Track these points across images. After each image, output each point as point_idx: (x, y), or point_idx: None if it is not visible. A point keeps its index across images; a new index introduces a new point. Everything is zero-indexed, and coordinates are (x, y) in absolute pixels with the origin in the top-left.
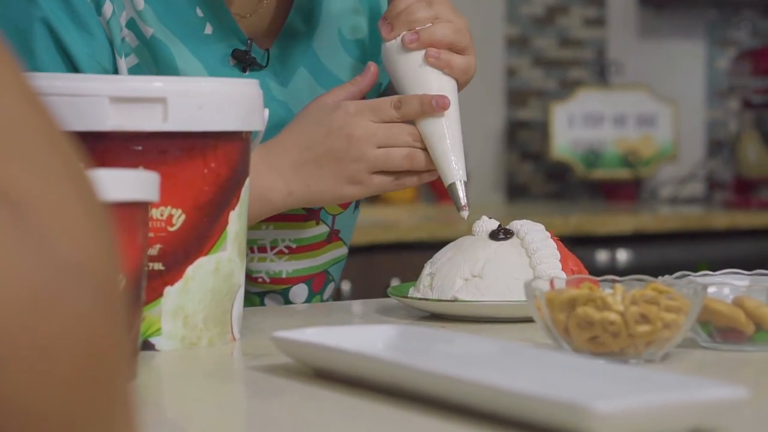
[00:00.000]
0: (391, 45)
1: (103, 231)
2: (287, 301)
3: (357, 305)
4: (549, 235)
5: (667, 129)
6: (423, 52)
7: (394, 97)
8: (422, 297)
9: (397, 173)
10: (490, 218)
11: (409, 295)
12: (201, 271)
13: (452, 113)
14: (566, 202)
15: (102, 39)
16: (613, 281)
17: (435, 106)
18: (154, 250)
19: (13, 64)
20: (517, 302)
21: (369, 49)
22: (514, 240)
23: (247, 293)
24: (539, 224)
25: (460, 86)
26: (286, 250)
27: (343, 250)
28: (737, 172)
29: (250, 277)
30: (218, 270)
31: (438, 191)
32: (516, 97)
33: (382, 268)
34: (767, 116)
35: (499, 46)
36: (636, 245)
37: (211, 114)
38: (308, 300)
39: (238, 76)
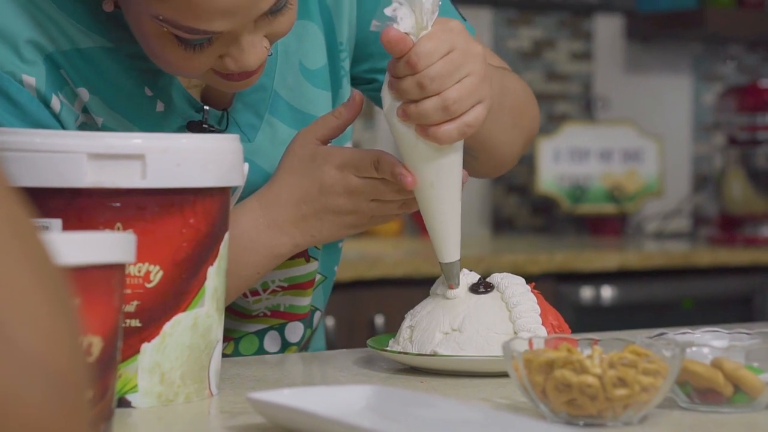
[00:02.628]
0: (391, 102)
1: (67, 322)
2: (284, 339)
3: (337, 356)
4: (529, 288)
5: (653, 164)
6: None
7: (375, 157)
8: (402, 350)
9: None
10: (471, 271)
11: (389, 348)
12: (178, 328)
13: (449, 186)
14: (552, 236)
15: (57, 129)
16: (592, 341)
17: (401, 181)
18: (131, 307)
19: None
20: (497, 357)
21: (333, 74)
22: (494, 293)
23: (246, 335)
24: (519, 277)
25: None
26: (279, 289)
27: (329, 284)
28: (722, 208)
29: (249, 316)
30: (196, 326)
31: (423, 225)
32: None
33: (366, 304)
34: (752, 153)
35: None
36: (621, 281)
37: (189, 171)
38: (303, 335)
39: None
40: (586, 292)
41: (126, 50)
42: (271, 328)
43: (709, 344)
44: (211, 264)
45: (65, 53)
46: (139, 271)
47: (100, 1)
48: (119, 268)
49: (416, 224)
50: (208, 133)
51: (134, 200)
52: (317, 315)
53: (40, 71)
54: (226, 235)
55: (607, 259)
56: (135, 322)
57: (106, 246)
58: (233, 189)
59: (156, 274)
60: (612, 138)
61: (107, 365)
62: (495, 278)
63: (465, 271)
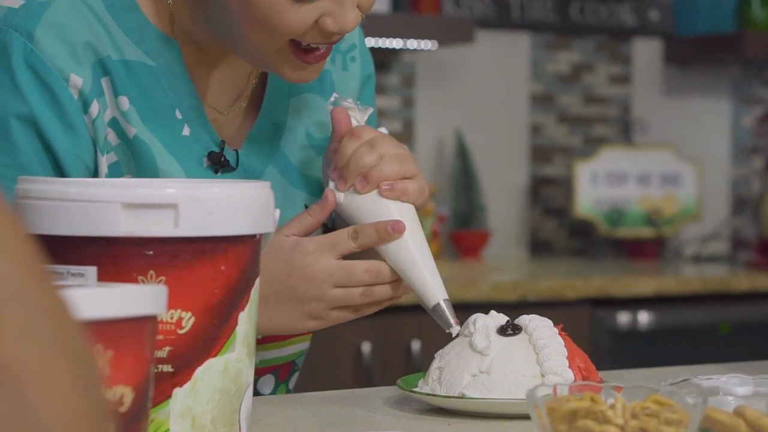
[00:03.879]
0: (346, 196)
1: (91, 390)
2: (255, 392)
3: (368, 395)
4: (557, 331)
5: (691, 188)
6: (376, 190)
7: (350, 228)
8: (431, 392)
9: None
10: (498, 312)
11: (418, 388)
12: (210, 372)
13: (416, 234)
14: (589, 259)
15: (86, 137)
16: (615, 389)
17: (391, 231)
18: (163, 353)
19: (12, 224)
20: (524, 400)
21: None
22: (522, 335)
23: None
24: (547, 320)
25: (418, 208)
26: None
27: (307, 344)
28: (761, 232)
29: None
30: (227, 370)
31: (461, 248)
32: (540, 153)
33: (402, 329)
34: None
35: (524, 103)
36: (658, 306)
37: (221, 219)
38: (275, 390)
39: (211, 177)
40: (623, 317)
41: (163, 71)
42: None
43: (732, 392)
44: (242, 309)
45: (114, 62)
46: (172, 318)
47: (146, 20)
48: (151, 319)
49: (454, 248)
50: (224, 166)
51: (167, 248)
52: (296, 375)
53: (87, 74)
54: (257, 281)
55: (644, 284)
56: (167, 368)
57: (138, 299)
58: (266, 235)
59: (188, 320)
60: (650, 161)
61: (138, 415)
62: (523, 320)
63: (493, 313)
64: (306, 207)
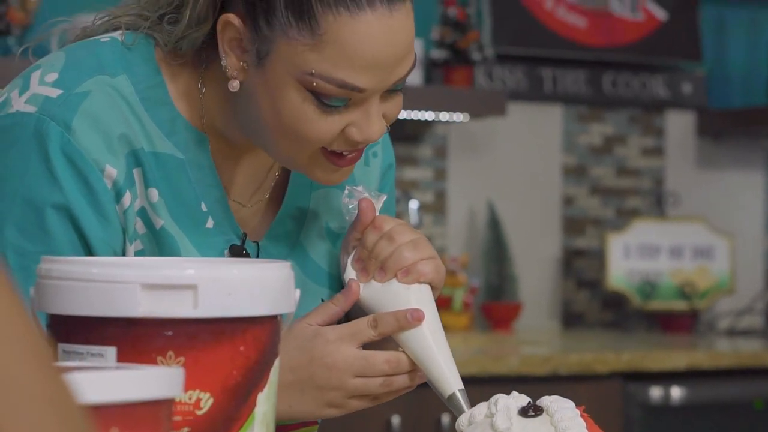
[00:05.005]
0: (366, 286)
1: None
2: None
3: None
4: (579, 412)
5: (724, 261)
6: (394, 278)
7: (370, 317)
8: None
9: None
10: (520, 393)
11: None
12: None
13: (432, 323)
14: (622, 332)
15: (117, 226)
16: None
17: (410, 319)
18: None
19: (18, 311)
20: None
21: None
22: (543, 417)
23: None
24: (569, 401)
25: (436, 288)
26: None
27: (315, 429)
28: None
29: None
30: None
31: (493, 320)
32: (573, 225)
33: (432, 403)
34: None
35: (557, 175)
36: (691, 381)
37: (240, 300)
38: None
39: None
40: (655, 392)
41: (191, 164)
42: None
43: None
44: (261, 390)
45: (146, 153)
46: (190, 398)
47: (178, 113)
48: (167, 402)
49: (486, 320)
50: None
51: (186, 329)
52: None
53: (121, 165)
54: (277, 361)
55: (677, 358)
56: None
57: (154, 382)
58: (284, 315)
59: (206, 401)
60: (683, 234)
61: None
62: (545, 401)
63: (515, 393)
64: (323, 301)
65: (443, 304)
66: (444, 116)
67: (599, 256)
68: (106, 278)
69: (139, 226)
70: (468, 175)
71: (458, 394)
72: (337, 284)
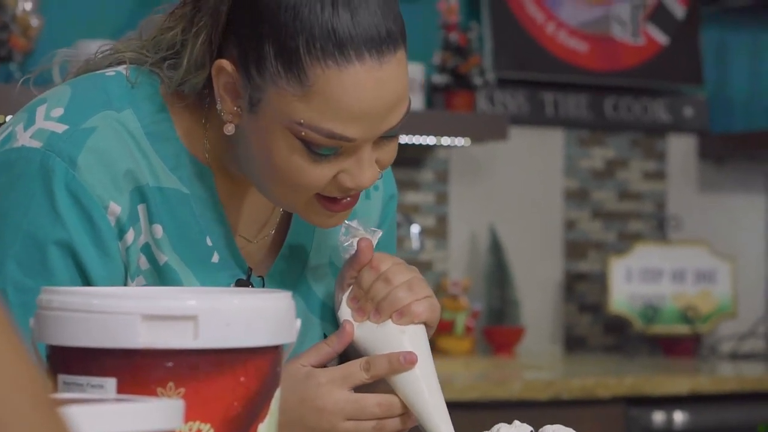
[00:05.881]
0: (360, 326)
1: None
2: None
3: None
4: None
5: (727, 285)
6: (389, 319)
7: (363, 360)
8: None
9: None
10: (522, 422)
11: None
12: None
13: (426, 366)
14: (624, 355)
15: (119, 263)
16: None
17: (403, 362)
18: None
19: (16, 349)
20: None
21: None
22: None
23: None
24: (570, 429)
25: (431, 327)
26: None
27: None
28: None
29: None
30: None
31: (495, 344)
32: (575, 249)
33: None
34: None
35: (559, 199)
36: (693, 406)
37: (241, 330)
38: None
39: None
40: (658, 417)
41: (197, 198)
42: None
43: None
44: (262, 421)
45: (151, 189)
46: (190, 430)
47: (183, 148)
48: None
49: (488, 344)
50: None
51: (186, 360)
52: None
53: (126, 202)
54: (277, 392)
55: (679, 382)
56: None
57: (153, 415)
58: (285, 345)
59: None
60: (685, 258)
61: None
62: (547, 430)
63: (516, 423)
64: (326, 336)
65: (445, 328)
66: (445, 140)
67: (601, 280)
68: (106, 309)
69: (143, 262)
70: (469, 199)
71: None
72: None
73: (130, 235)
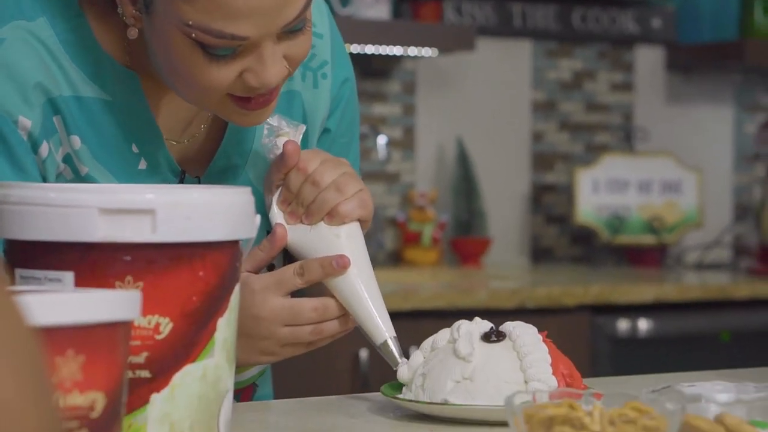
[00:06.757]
0: (292, 229)
1: (42, 399)
2: None
3: (351, 402)
4: (541, 338)
5: (693, 196)
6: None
7: (296, 264)
8: (414, 398)
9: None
10: (480, 316)
11: (402, 394)
12: (188, 378)
13: (362, 268)
14: (591, 266)
15: (35, 176)
16: (595, 396)
17: (336, 266)
18: (140, 358)
19: None
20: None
21: None
22: (506, 342)
23: None
24: (532, 326)
25: (365, 222)
26: None
27: (267, 365)
28: (762, 239)
29: None
30: (205, 377)
31: (462, 255)
32: (542, 160)
33: (401, 336)
34: None
35: (526, 111)
36: (658, 314)
37: (199, 224)
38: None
39: None
40: (623, 325)
41: (120, 105)
42: None
43: (714, 399)
44: (221, 315)
45: (66, 99)
46: (149, 323)
47: (104, 53)
48: (124, 325)
49: (455, 255)
50: None
51: (145, 254)
52: (257, 392)
53: (37, 115)
54: (237, 287)
55: (644, 291)
56: (144, 373)
57: (110, 304)
58: (244, 241)
59: (166, 326)
60: (651, 169)
61: (110, 420)
62: (507, 327)
63: (477, 319)
64: (269, 233)
65: (412, 239)
66: (412, 51)
67: (568, 192)
68: (63, 203)
69: (67, 173)
70: (437, 110)
71: (389, 342)
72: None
73: (44, 149)
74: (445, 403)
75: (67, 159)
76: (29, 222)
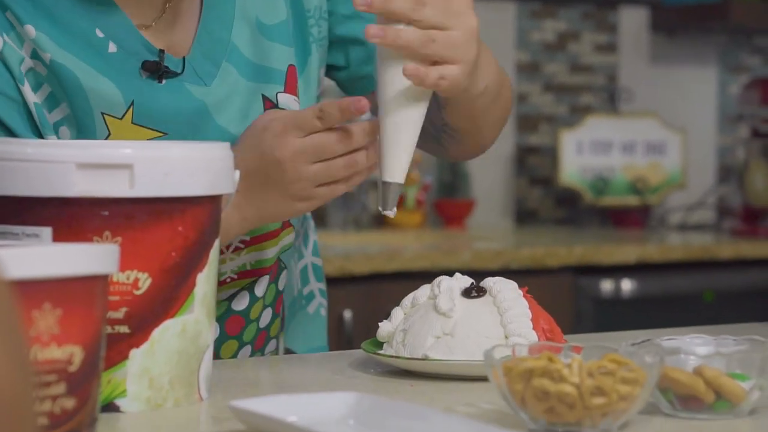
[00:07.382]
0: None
1: (16, 355)
2: (253, 297)
3: (332, 358)
4: (522, 293)
5: (676, 156)
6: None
7: (316, 106)
8: (394, 354)
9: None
10: (463, 275)
11: (383, 351)
12: (167, 334)
13: (410, 115)
14: (575, 228)
15: (1, 69)
16: (575, 349)
17: (353, 110)
18: (119, 313)
19: None
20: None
21: (298, 33)
22: (486, 298)
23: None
24: (512, 282)
25: (444, 92)
26: (242, 245)
27: (292, 236)
28: (746, 200)
29: (218, 284)
30: (185, 332)
31: (446, 217)
32: (526, 122)
33: (383, 297)
34: None
35: (510, 72)
36: (641, 274)
37: (178, 179)
38: (267, 288)
39: (155, 87)
40: (606, 285)
41: None
42: (241, 289)
43: (692, 352)
44: (201, 270)
45: None
46: (128, 279)
47: None
48: (101, 279)
49: (439, 217)
50: (165, 75)
51: (123, 209)
52: (284, 274)
53: None
54: (216, 242)
55: (628, 251)
56: (124, 329)
57: (87, 258)
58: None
59: (144, 281)
60: (635, 130)
61: (88, 374)
62: (488, 282)
63: (458, 275)
64: (264, 98)
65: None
66: None
67: (552, 153)
68: (40, 158)
69: (40, 69)
70: None
71: (393, 186)
72: (280, 82)
73: None
74: (425, 359)
75: (35, 54)
76: (6, 177)
